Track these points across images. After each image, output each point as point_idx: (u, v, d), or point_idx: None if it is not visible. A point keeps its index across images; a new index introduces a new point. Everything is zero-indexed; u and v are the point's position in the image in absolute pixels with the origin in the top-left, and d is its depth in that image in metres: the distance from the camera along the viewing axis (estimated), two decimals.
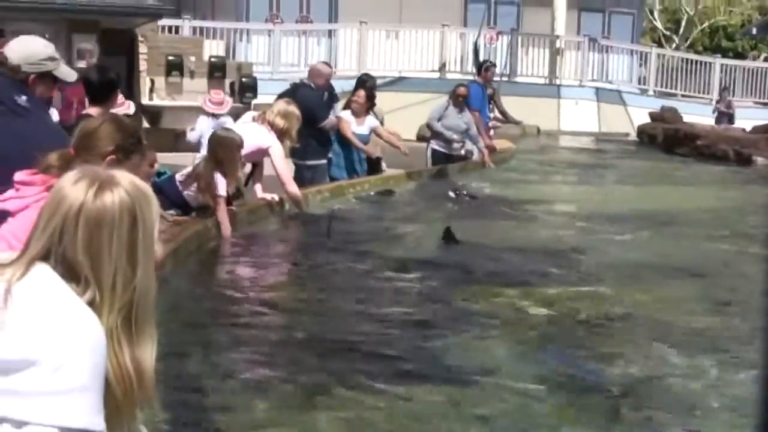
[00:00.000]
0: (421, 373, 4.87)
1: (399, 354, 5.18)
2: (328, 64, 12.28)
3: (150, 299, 2.05)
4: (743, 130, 22.00)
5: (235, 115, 11.35)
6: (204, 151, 8.24)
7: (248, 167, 9.10)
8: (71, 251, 1.96)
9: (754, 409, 4.38)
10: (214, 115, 11.09)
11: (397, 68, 23.75)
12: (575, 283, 7.07)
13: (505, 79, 23.93)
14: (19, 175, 3.71)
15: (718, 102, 25.32)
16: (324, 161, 10.76)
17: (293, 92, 10.53)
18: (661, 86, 27.51)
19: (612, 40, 28.00)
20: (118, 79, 6.20)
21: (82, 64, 9.81)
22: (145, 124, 15.66)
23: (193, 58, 18.94)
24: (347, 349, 5.24)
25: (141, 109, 14.71)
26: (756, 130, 21.30)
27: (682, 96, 26.62)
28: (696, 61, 28.84)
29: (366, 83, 12.09)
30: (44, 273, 1.97)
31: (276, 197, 8.95)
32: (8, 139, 3.89)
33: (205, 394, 4.46)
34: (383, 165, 12.30)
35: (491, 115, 16.05)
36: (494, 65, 15.88)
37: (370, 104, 11.77)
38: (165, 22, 20.48)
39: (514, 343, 5.49)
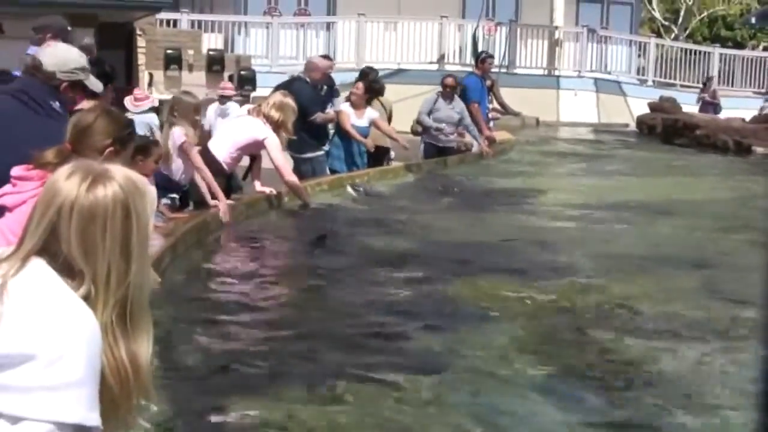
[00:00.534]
0: (419, 366, 4.87)
1: (397, 347, 5.18)
2: (328, 57, 12.27)
3: (145, 293, 2.05)
4: (742, 119, 21.99)
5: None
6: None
7: (246, 161, 9.12)
8: (65, 245, 1.95)
9: (755, 401, 4.39)
10: (222, 100, 12.85)
11: (395, 60, 23.73)
12: (573, 274, 7.06)
13: (504, 70, 23.91)
14: (15, 171, 3.71)
15: (702, 91, 25.17)
16: (321, 153, 10.76)
17: (288, 85, 10.58)
18: (660, 76, 27.49)
19: (611, 30, 27.97)
20: (113, 71, 6.20)
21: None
22: None
23: (191, 52, 18.93)
24: (344, 343, 5.24)
25: None
26: (756, 119, 21.29)
27: (681, 86, 26.59)
28: (695, 51, 28.81)
29: (368, 75, 12.12)
30: (40, 268, 1.97)
31: (274, 191, 8.95)
32: (43, 141, 3.92)
33: (201, 386, 4.46)
34: (392, 154, 12.30)
35: (490, 106, 16.02)
36: (491, 56, 15.80)
37: (372, 96, 11.77)
38: (163, 15, 20.47)
39: (514, 335, 5.49)
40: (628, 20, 29.87)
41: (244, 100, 14.64)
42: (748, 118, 21.62)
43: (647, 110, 23.16)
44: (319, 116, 10.59)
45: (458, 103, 13.22)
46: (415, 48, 24.76)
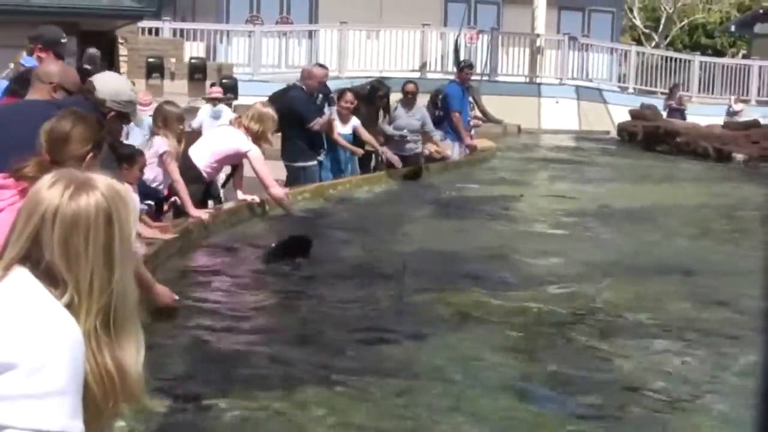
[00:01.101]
0: (405, 373, 4.88)
1: (377, 353, 5.18)
2: (323, 66, 12.30)
3: (130, 301, 2.05)
4: (722, 126, 22.14)
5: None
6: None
7: (227, 170, 9.13)
8: (48, 254, 1.96)
9: (752, 403, 4.42)
10: (213, 102, 13.42)
11: (377, 68, 23.76)
12: (557, 282, 7.08)
13: (485, 78, 24.00)
14: None
15: (668, 98, 25.23)
16: (314, 162, 10.74)
17: (284, 93, 10.66)
18: (641, 84, 27.63)
19: (592, 38, 28.11)
20: (89, 72, 6.24)
21: (88, 67, 10.22)
22: None
23: (173, 60, 18.92)
24: (322, 348, 5.23)
25: None
26: (736, 126, 21.44)
27: (662, 94, 26.72)
28: (675, 59, 29.00)
29: (378, 91, 12.16)
30: (22, 276, 1.97)
31: (257, 198, 8.95)
32: None
33: (176, 388, 4.45)
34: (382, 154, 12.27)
35: (472, 113, 16.06)
36: (470, 66, 15.73)
37: (377, 108, 12.10)
38: (145, 23, 20.43)
39: (498, 343, 5.50)
40: (609, 28, 30.03)
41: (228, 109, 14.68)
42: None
43: (628, 118, 23.29)
44: (318, 122, 10.59)
45: (419, 110, 12.90)
46: (397, 56, 24.82)
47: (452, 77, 16.29)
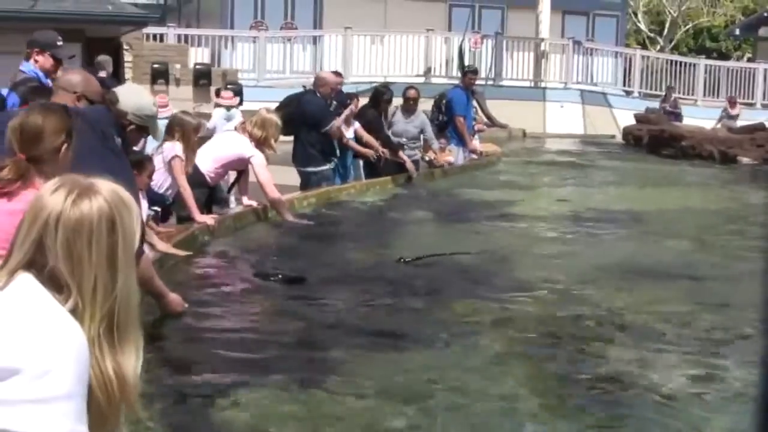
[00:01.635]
0: (407, 377, 4.88)
1: (384, 358, 5.19)
2: (338, 73, 12.30)
3: (132, 307, 2.06)
4: (728, 130, 22.15)
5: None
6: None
7: (233, 175, 9.15)
8: (52, 259, 1.97)
9: (752, 407, 4.42)
10: (227, 108, 13.66)
11: (382, 74, 23.80)
12: (560, 285, 7.07)
13: (490, 82, 24.03)
14: None
15: (663, 101, 25.18)
16: (326, 168, 10.72)
17: (299, 97, 10.71)
18: (646, 88, 27.63)
19: (596, 42, 28.11)
20: (103, 80, 6.26)
21: (102, 74, 10.38)
22: None
23: (178, 66, 18.96)
24: (317, 355, 5.24)
25: None
26: (740, 130, 21.44)
27: (678, 98, 26.73)
28: (680, 63, 28.98)
29: (383, 95, 12.16)
30: (27, 282, 1.98)
31: (255, 203, 8.97)
32: (99, 171, 3.95)
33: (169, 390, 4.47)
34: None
35: (476, 117, 16.07)
36: (474, 71, 15.73)
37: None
38: (150, 30, 20.50)
39: (499, 347, 5.50)
40: (613, 32, 30.04)
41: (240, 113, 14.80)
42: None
43: (633, 121, 23.28)
44: (334, 125, 10.60)
45: (419, 117, 12.65)
46: (402, 61, 24.84)
47: (457, 82, 16.30)
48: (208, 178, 8.41)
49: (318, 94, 10.79)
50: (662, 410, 4.60)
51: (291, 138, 10.67)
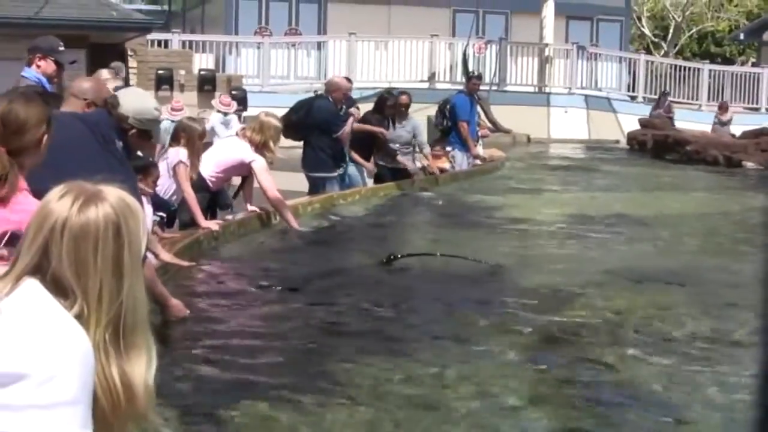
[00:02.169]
0: (410, 382, 4.87)
1: (386, 363, 5.18)
2: (349, 79, 12.31)
3: (140, 313, 2.04)
4: (732, 135, 22.13)
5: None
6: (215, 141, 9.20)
7: (237, 181, 9.15)
8: (57, 265, 1.97)
9: (750, 413, 4.41)
10: (224, 114, 13.91)
11: (386, 79, 23.82)
12: (563, 290, 7.07)
13: (494, 88, 24.03)
14: None
15: (656, 107, 25.10)
16: (334, 174, 10.73)
17: (311, 102, 10.73)
18: (651, 93, 27.60)
19: (600, 47, 28.12)
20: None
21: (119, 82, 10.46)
22: None
23: (182, 72, 18.99)
24: (313, 361, 5.24)
25: None
26: (745, 135, 21.42)
27: (672, 102, 26.72)
28: (685, 67, 28.97)
29: (387, 101, 12.16)
30: (33, 288, 1.98)
31: (257, 209, 8.98)
32: (101, 177, 3.94)
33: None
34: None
35: (480, 122, 16.07)
36: (478, 76, 15.75)
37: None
38: (154, 36, 20.54)
39: (501, 351, 5.49)
40: (617, 37, 30.04)
41: (237, 118, 14.82)
42: (738, 134, 21.80)
43: (638, 126, 23.27)
44: (344, 131, 10.61)
45: (410, 122, 12.58)
46: (406, 66, 24.86)
47: (461, 87, 16.31)
48: (209, 183, 8.42)
49: (330, 99, 10.80)
50: (666, 414, 4.61)
51: (296, 143, 10.69)
